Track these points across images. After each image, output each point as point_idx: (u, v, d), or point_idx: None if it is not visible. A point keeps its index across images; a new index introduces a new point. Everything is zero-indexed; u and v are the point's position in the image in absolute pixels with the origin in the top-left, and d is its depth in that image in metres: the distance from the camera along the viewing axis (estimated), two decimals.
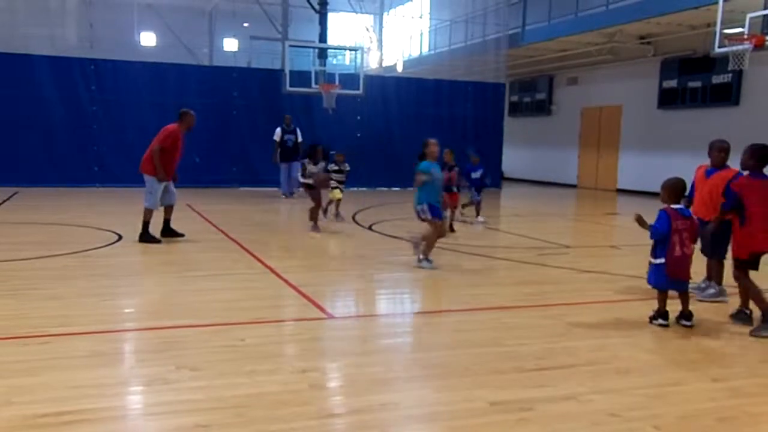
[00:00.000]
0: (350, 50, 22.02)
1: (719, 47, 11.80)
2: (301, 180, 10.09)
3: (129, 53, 20.86)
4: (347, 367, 4.36)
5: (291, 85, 16.30)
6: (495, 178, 19.42)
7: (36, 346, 4.43)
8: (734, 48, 11.45)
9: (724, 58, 12.35)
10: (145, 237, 8.50)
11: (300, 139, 15.19)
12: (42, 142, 15.52)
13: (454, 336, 5.05)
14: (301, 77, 16.46)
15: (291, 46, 17.50)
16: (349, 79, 17.09)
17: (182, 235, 8.81)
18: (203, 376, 3.94)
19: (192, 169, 16.74)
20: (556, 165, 22.42)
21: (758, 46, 11.00)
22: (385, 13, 32.02)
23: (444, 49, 25.03)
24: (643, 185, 17.59)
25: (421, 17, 29.74)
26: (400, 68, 26.93)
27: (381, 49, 30.82)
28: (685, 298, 5.33)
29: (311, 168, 9.94)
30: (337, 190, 10.93)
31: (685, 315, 5.30)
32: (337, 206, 11.16)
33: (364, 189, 16.61)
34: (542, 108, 23.54)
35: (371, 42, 30.03)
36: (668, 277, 5.20)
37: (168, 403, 3.58)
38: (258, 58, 26.86)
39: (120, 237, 8.91)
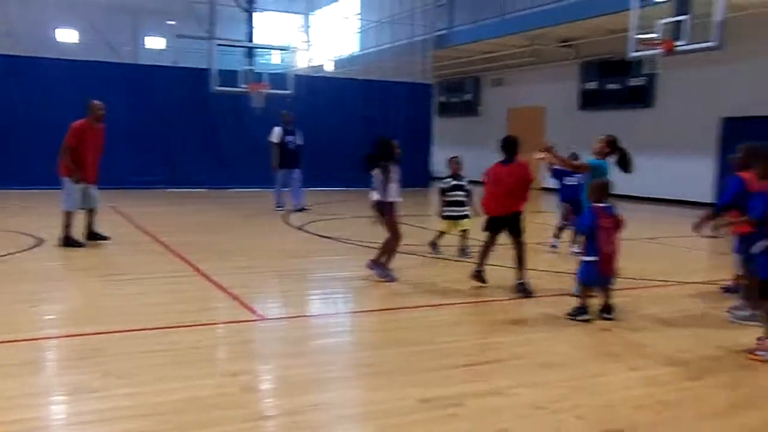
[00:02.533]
0: (279, 50, 21.86)
1: (634, 51, 12.33)
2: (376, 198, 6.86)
3: (48, 50, 20.07)
4: (279, 368, 4.37)
5: (219, 85, 16.08)
6: (423, 178, 19.69)
7: None
8: (647, 52, 11.99)
9: (640, 62, 12.90)
10: (67, 241, 8.21)
11: (301, 142, 13.00)
12: None
13: (385, 335, 5.13)
14: (229, 77, 16.26)
15: (219, 45, 17.24)
16: (279, 79, 16.99)
17: (107, 238, 8.58)
18: (131, 383, 3.87)
19: (116, 170, 16.39)
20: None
21: (668, 51, 11.54)
22: (313, 13, 31.88)
23: (372, 50, 25.14)
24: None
25: (348, 18, 29.77)
26: (329, 68, 26.91)
27: (309, 49, 30.69)
28: (608, 292, 5.56)
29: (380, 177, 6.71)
30: None
31: (607, 308, 5.54)
32: None
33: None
34: (470, 108, 23.96)
35: (300, 42, 29.87)
36: (599, 273, 5.42)
37: (95, 411, 3.50)
38: (185, 57, 26.28)
39: (41, 241, 8.60)
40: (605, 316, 5.51)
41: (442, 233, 8.57)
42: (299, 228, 10.64)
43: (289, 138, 12.75)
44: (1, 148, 15.37)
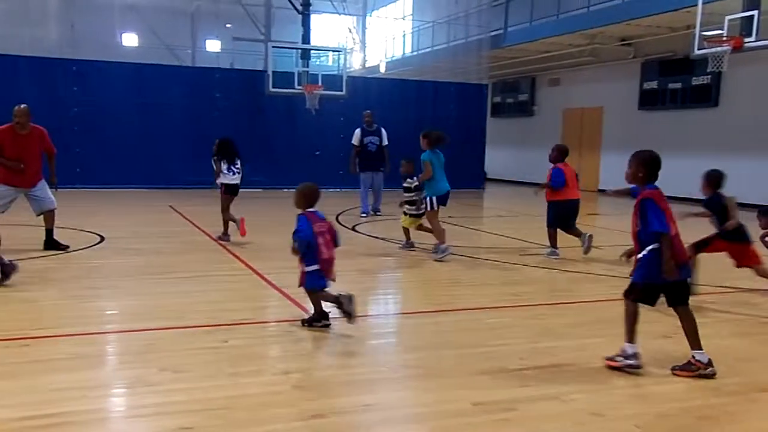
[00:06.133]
0: (333, 51, 22.00)
1: (699, 49, 11.94)
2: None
3: (111, 54, 20.69)
4: (330, 368, 4.36)
5: (274, 86, 16.28)
6: (477, 180, 19.53)
7: (16, 349, 4.39)
8: (713, 50, 11.60)
9: (704, 60, 12.50)
10: None
11: (385, 142, 12.54)
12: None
13: (438, 337, 5.07)
14: (284, 78, 16.43)
15: (274, 47, 17.46)
16: (332, 80, 17.08)
17: (66, 248, 8.00)
18: (186, 378, 3.93)
19: (173, 170, 16.80)
20: (538, 166, 22.40)
21: (736, 48, 11.14)
22: (368, 15, 32.02)
23: (427, 50, 25.09)
24: (624, 186, 17.77)
25: (404, 18, 29.78)
26: (383, 69, 26.97)
27: (364, 51, 30.84)
28: (327, 296, 5.11)
29: None
30: None
31: (324, 315, 5.12)
32: None
33: (345, 190, 16.61)
34: (524, 109, 23.66)
35: (354, 43, 30.03)
36: (324, 278, 5.09)
37: (151, 405, 3.56)
38: (241, 59, 26.74)
39: (102, 238, 8.84)
40: (322, 323, 5.09)
41: (407, 230, 8.77)
42: (352, 229, 10.67)
43: (370, 139, 12.43)
44: (64, 150, 15.86)
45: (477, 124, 20.10)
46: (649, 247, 4.24)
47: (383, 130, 12.60)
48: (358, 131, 12.54)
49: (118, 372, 4.18)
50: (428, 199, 8.14)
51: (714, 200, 6.10)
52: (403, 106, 18.64)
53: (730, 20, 11.38)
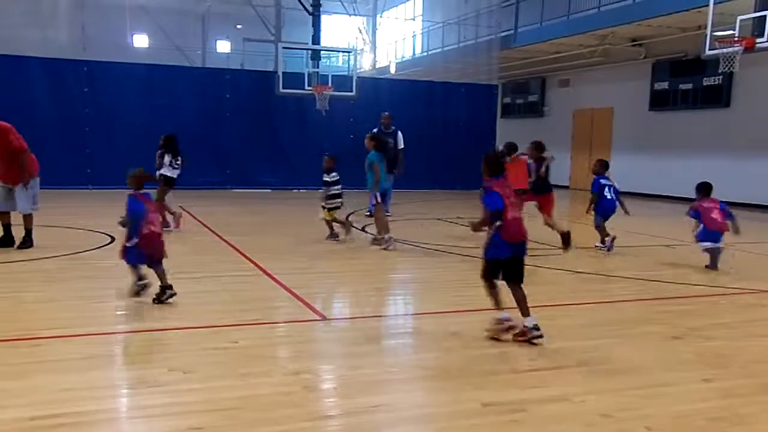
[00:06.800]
0: (343, 52, 22.03)
1: (710, 50, 11.87)
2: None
3: (122, 55, 20.81)
4: (340, 369, 4.36)
5: (284, 87, 16.32)
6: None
7: (26, 349, 4.41)
8: (725, 50, 11.52)
9: (715, 61, 12.42)
10: None
11: (401, 145, 12.47)
12: (34, 144, 15.38)
13: (447, 337, 5.06)
14: (294, 79, 16.47)
15: (284, 47, 17.52)
16: (342, 81, 17.10)
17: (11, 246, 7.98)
18: (196, 379, 3.94)
19: (184, 171, 16.80)
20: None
21: (748, 49, 11.07)
22: (378, 15, 32.04)
23: (437, 51, 25.08)
24: (635, 187, 17.66)
25: (414, 19, 29.78)
26: (393, 70, 26.97)
27: (374, 51, 30.85)
28: (160, 271, 5.70)
29: None
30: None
31: (166, 287, 5.66)
32: None
33: (356, 190, 16.63)
34: (535, 110, 23.60)
35: (364, 44, 30.06)
36: (144, 253, 5.64)
37: (161, 405, 3.57)
38: (251, 59, 26.84)
39: (113, 239, 8.87)
40: (165, 296, 5.60)
41: (329, 221, 9.37)
42: (361, 230, 10.67)
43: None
44: (74, 150, 15.96)
45: (487, 125, 20.06)
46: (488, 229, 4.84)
47: (400, 133, 12.56)
48: (374, 132, 12.40)
49: (128, 372, 4.19)
50: (376, 195, 8.95)
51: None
52: (414, 106, 18.63)
53: (741, 20, 11.30)
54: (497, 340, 4.80)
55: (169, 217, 9.41)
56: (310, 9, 19.01)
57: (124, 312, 5.67)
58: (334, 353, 4.73)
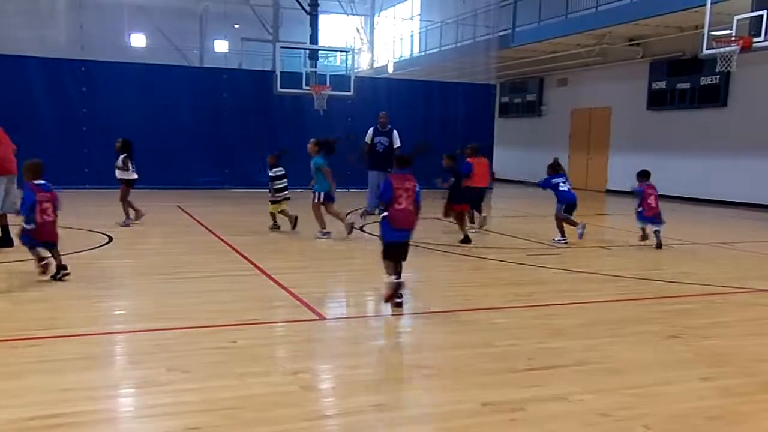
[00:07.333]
0: (341, 52, 22.03)
1: (707, 49, 11.88)
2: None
3: (119, 55, 20.79)
4: (339, 368, 4.36)
5: (282, 87, 16.31)
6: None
7: (24, 349, 4.40)
8: (722, 50, 11.53)
9: (712, 60, 12.43)
10: None
11: (397, 144, 12.46)
12: (31, 144, 15.35)
13: (447, 337, 5.06)
14: (292, 79, 16.47)
15: (282, 47, 17.51)
16: (340, 81, 17.10)
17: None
18: (194, 379, 3.93)
19: (181, 170, 16.83)
20: (546, 166, 22.50)
21: (745, 48, 11.08)
22: (375, 15, 32.04)
23: (435, 51, 25.09)
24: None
25: (411, 19, 29.78)
26: (391, 69, 26.97)
27: (372, 51, 30.85)
28: (56, 253, 6.38)
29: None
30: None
31: (61, 266, 6.32)
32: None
33: (353, 189, 16.63)
34: (532, 109, 23.62)
35: (362, 43, 30.05)
36: (31, 238, 6.28)
37: (159, 405, 3.56)
38: (249, 59, 26.82)
39: (110, 239, 8.87)
40: (60, 275, 6.25)
41: (273, 214, 10.09)
42: (359, 229, 10.66)
43: (379, 139, 12.48)
44: (72, 150, 15.93)
45: (485, 124, 20.06)
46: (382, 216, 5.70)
47: (396, 132, 12.60)
48: (371, 130, 12.66)
49: (127, 372, 4.18)
50: (318, 193, 9.44)
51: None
52: (411, 106, 18.63)
53: (739, 20, 11.31)
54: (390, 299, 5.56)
55: (132, 214, 10.20)
56: (308, 8, 19.00)
57: (121, 312, 5.67)
58: (333, 353, 4.73)
